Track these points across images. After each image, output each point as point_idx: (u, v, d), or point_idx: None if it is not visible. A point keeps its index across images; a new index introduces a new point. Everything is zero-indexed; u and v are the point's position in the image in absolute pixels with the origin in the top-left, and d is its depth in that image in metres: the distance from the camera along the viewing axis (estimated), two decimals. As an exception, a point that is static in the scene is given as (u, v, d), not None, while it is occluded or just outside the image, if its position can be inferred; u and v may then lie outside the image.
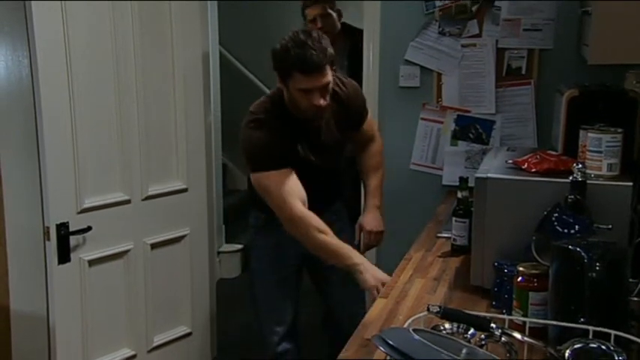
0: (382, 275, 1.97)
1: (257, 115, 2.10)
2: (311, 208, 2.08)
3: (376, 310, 1.71)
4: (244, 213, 2.52)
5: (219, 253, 4.08)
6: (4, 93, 2.23)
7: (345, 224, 2.42)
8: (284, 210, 2.02)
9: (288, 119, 2.10)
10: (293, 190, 2.01)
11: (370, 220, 2.36)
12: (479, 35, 2.79)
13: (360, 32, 3.02)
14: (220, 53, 4.02)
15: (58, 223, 2.21)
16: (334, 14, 3.22)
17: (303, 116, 2.08)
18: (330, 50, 1.99)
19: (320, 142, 2.18)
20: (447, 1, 2.80)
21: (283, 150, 2.06)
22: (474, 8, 2.78)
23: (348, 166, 2.46)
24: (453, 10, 2.80)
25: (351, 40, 3.21)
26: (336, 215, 2.36)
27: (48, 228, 2.19)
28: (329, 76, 1.99)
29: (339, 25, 3.24)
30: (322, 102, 2.00)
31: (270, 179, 2.01)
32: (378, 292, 1.88)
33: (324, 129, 2.17)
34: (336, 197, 2.40)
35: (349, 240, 2.44)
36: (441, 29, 2.83)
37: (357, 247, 2.38)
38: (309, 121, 2.10)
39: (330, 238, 2.02)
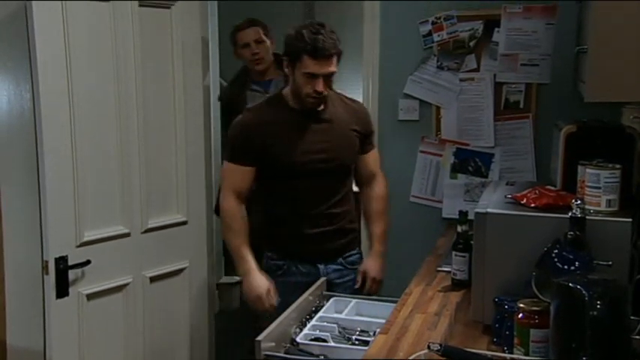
0: (264, 284, 2.18)
1: (251, 107, 2.34)
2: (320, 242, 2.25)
3: (376, 347, 1.69)
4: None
5: (218, 285, 4.06)
6: (6, 127, 2.25)
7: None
8: (221, 199, 2.28)
9: (287, 110, 2.22)
10: (236, 184, 2.23)
11: (376, 267, 2.34)
12: (477, 70, 2.83)
13: None
14: (220, 85, 4.06)
15: (57, 256, 2.20)
16: (268, 42, 3.02)
17: (302, 105, 2.18)
18: (339, 45, 2.12)
19: (326, 136, 2.22)
20: (445, 37, 2.84)
21: (257, 146, 2.18)
22: (471, 43, 2.82)
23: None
24: (451, 45, 2.84)
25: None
26: (349, 266, 2.34)
27: (47, 262, 2.18)
28: (334, 67, 2.13)
29: (271, 56, 3.04)
30: (323, 89, 2.12)
31: (227, 168, 2.26)
32: (261, 306, 2.17)
33: (334, 124, 2.24)
34: (350, 232, 2.35)
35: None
36: (439, 63, 2.86)
37: (357, 292, 2.32)
38: (307, 110, 2.20)
39: (238, 238, 2.24)
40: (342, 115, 2.29)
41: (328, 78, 2.14)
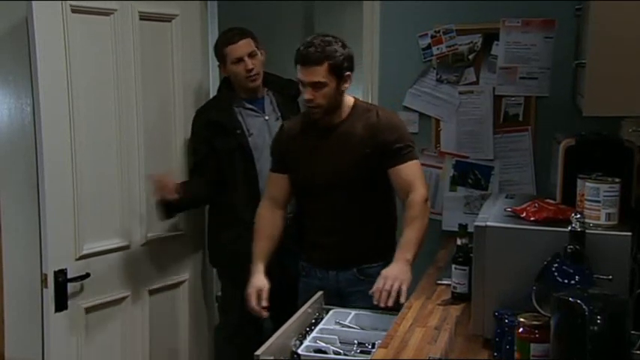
0: (257, 284, 2.25)
1: (293, 117, 2.47)
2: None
3: (376, 361, 1.69)
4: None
5: (217, 297, 4.05)
6: (6, 140, 2.25)
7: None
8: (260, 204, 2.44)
9: (312, 124, 2.31)
10: (271, 191, 2.40)
11: (391, 270, 2.10)
12: (476, 82, 2.83)
13: (288, 81, 2.68)
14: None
15: (56, 269, 2.20)
16: (259, 53, 2.64)
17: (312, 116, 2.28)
18: (330, 57, 2.16)
19: (332, 153, 2.27)
20: (444, 50, 2.85)
21: (286, 158, 2.35)
22: (470, 56, 2.83)
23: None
24: (450, 58, 2.85)
25: (274, 89, 2.73)
26: (362, 277, 2.30)
27: (46, 275, 2.18)
28: (319, 76, 2.16)
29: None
30: (308, 95, 2.19)
31: (268, 176, 2.44)
32: (249, 303, 2.24)
33: (344, 140, 2.27)
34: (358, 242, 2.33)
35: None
36: (438, 76, 2.87)
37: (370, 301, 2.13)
38: (326, 125, 2.28)
39: (256, 240, 2.36)
40: (359, 131, 2.26)
41: (315, 86, 2.17)
